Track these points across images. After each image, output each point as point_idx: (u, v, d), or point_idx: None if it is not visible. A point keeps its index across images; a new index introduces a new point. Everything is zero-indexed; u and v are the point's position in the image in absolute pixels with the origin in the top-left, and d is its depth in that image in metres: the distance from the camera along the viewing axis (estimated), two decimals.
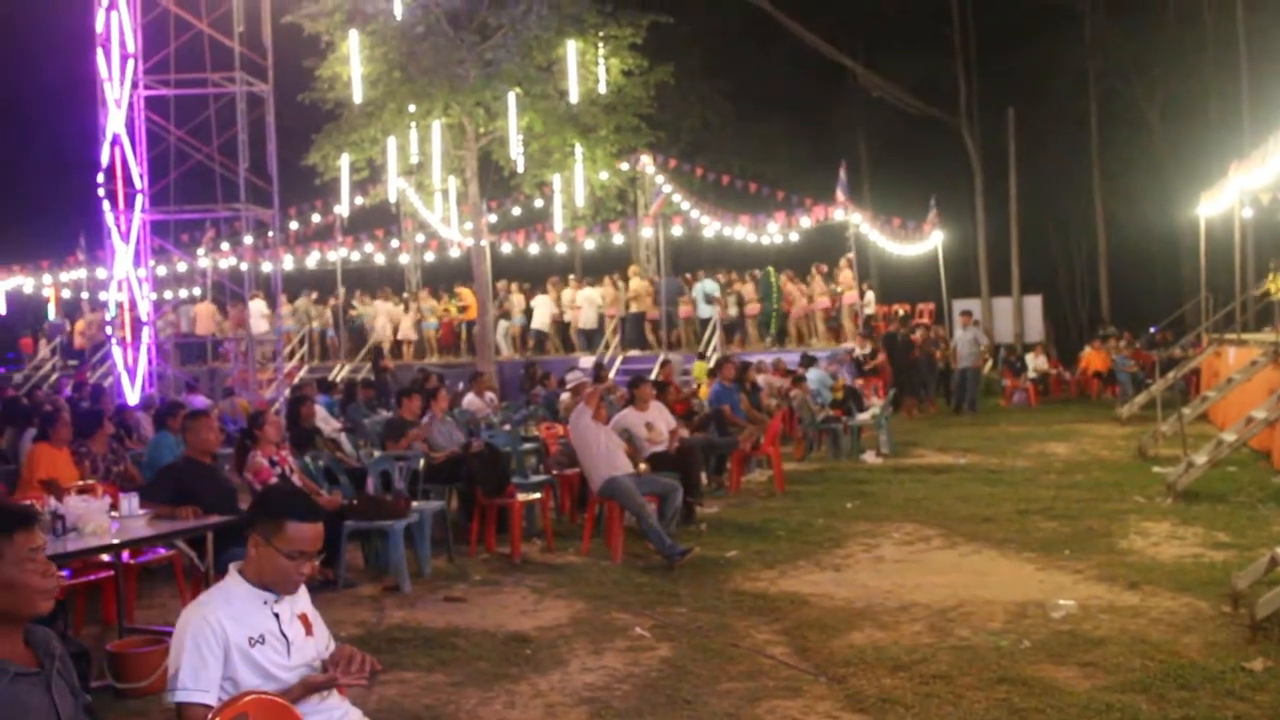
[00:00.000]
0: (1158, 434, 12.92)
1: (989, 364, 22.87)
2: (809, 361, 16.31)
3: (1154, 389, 16.40)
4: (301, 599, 3.30)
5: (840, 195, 20.94)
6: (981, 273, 31.10)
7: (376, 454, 9.70)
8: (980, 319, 25.54)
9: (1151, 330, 26.25)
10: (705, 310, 21.74)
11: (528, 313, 23.46)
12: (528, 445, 10.81)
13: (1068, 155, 33.19)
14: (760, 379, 15.39)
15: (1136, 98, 31.49)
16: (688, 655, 5.75)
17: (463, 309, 23.82)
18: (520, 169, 19.42)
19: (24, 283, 28.46)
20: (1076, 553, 7.77)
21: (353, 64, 17.40)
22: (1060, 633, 5.87)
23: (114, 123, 15.21)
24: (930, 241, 25.21)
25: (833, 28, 31.85)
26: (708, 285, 21.87)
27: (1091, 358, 22.77)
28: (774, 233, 22.65)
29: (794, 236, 23.20)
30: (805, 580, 7.37)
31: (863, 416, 14.73)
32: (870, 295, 23.30)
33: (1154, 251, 33.58)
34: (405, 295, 25.06)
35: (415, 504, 8.03)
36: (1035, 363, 22.47)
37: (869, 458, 13.75)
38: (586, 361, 19.74)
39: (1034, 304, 29.72)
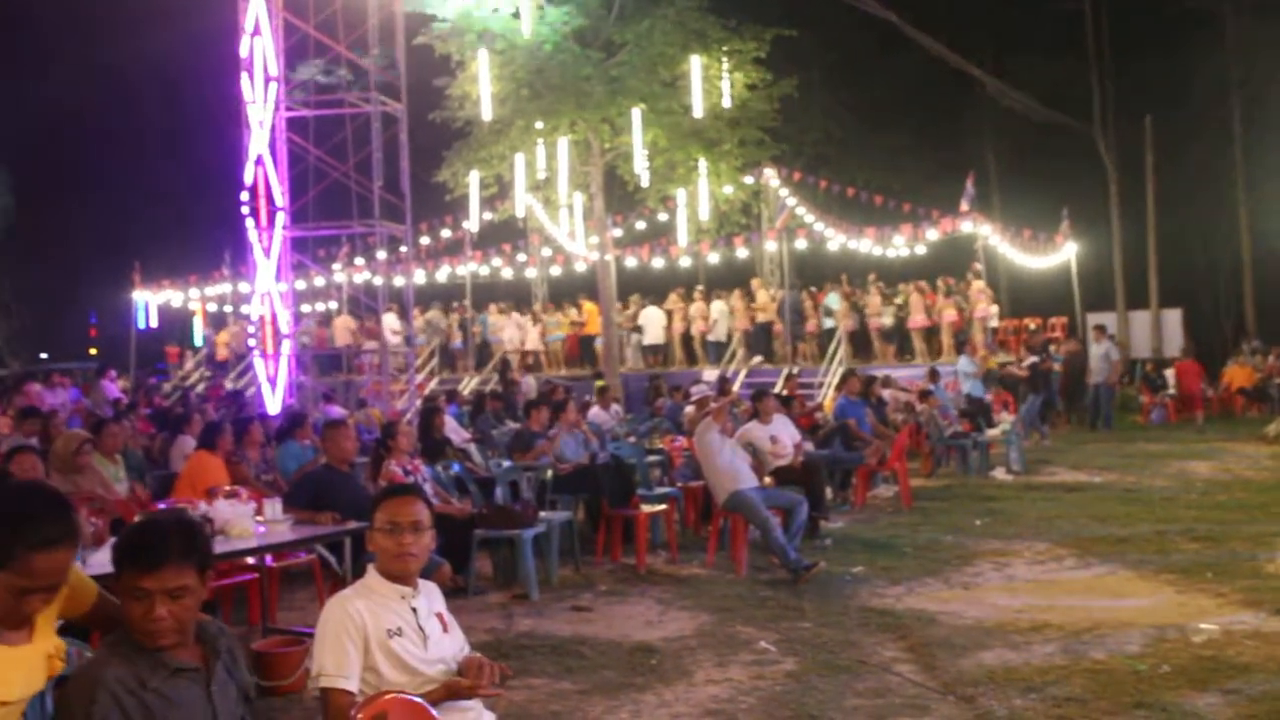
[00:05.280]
0: None
1: (1125, 379, 22.13)
2: (935, 376, 16.06)
3: None
4: (437, 600, 3.45)
5: (964, 206, 20.56)
6: (1117, 285, 30.10)
7: (505, 464, 9.89)
8: (1116, 333, 24.73)
9: None
10: (828, 323, 21.56)
11: (638, 326, 23.65)
12: (652, 457, 10.89)
13: (1209, 164, 31.94)
14: (886, 393, 15.21)
15: None
16: (813, 670, 5.73)
17: (577, 324, 24.16)
18: (645, 183, 19.56)
19: (172, 297, 29.76)
20: (1219, 576, 7.48)
21: (482, 83, 17.78)
22: (1202, 658, 5.66)
23: (257, 143, 15.81)
24: (1062, 253, 24.54)
25: (960, 36, 31.28)
26: (830, 299, 21.72)
27: (1235, 373, 21.84)
28: (900, 245, 22.36)
29: (920, 249, 22.86)
30: (933, 598, 7.26)
31: (992, 432, 14.41)
32: (994, 309, 22.81)
33: None
34: (535, 307, 25.50)
35: (543, 514, 8.18)
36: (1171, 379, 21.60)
37: (999, 475, 13.45)
38: (710, 374, 19.78)
39: (1173, 317, 28.61)
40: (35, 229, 35.20)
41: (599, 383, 18.29)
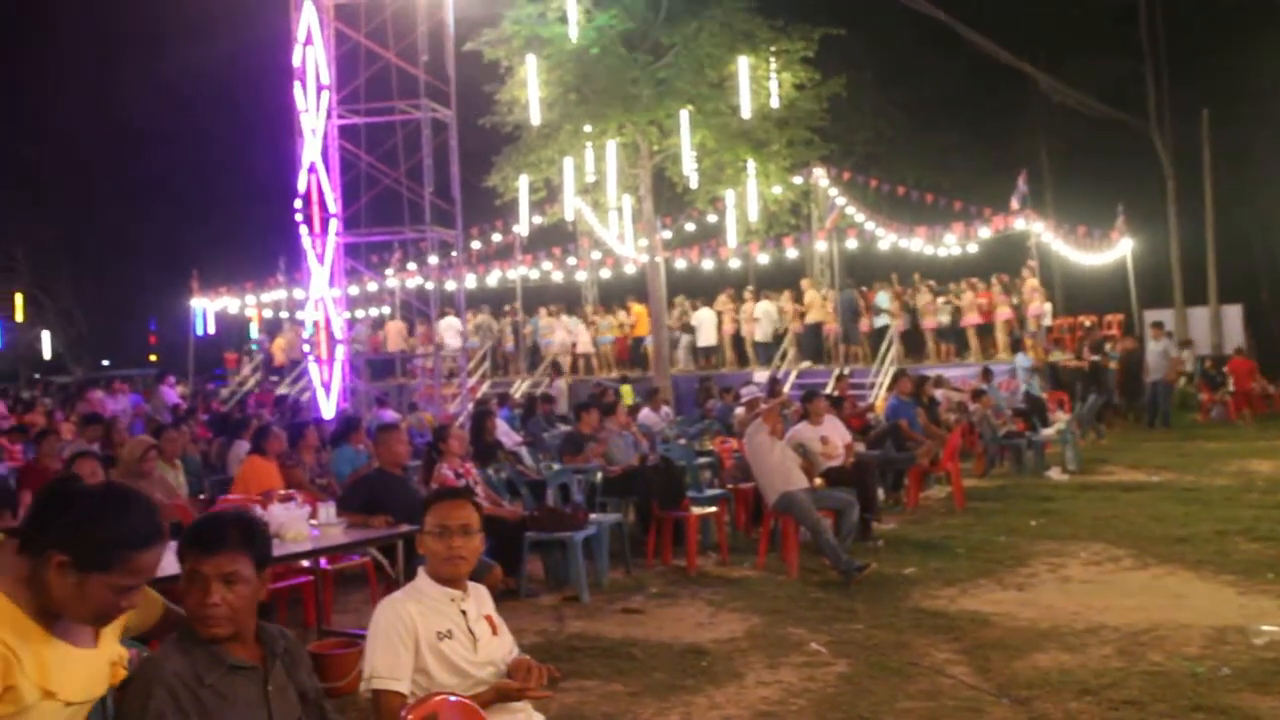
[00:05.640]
0: None
1: (1183, 377, 21.75)
2: (988, 375, 15.91)
3: None
4: (487, 603, 3.49)
5: (1015, 204, 20.33)
6: (1175, 282, 29.60)
7: (556, 467, 9.94)
8: (1174, 330, 24.32)
9: None
10: (880, 322, 21.43)
11: (691, 327, 23.69)
12: (703, 459, 10.89)
13: (1271, 158, 31.28)
14: (939, 393, 15.08)
15: None
16: (865, 672, 5.70)
17: (625, 325, 24.21)
18: (694, 185, 19.59)
19: (230, 303, 30.24)
20: None
21: (530, 88, 17.91)
22: (1264, 660, 5.56)
23: (310, 151, 16.03)
24: (1118, 250, 24.21)
25: (1011, 33, 30.92)
26: (880, 298, 21.59)
27: None
28: (952, 244, 22.18)
29: (972, 247, 22.66)
30: (987, 599, 7.20)
31: (1047, 431, 14.24)
32: (1047, 307, 22.54)
33: None
34: (586, 309, 25.60)
35: (593, 516, 8.21)
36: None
37: (1054, 474, 13.29)
38: (761, 376, 19.74)
39: (1233, 313, 28.10)
40: (97, 239, 35.95)
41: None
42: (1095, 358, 19.10)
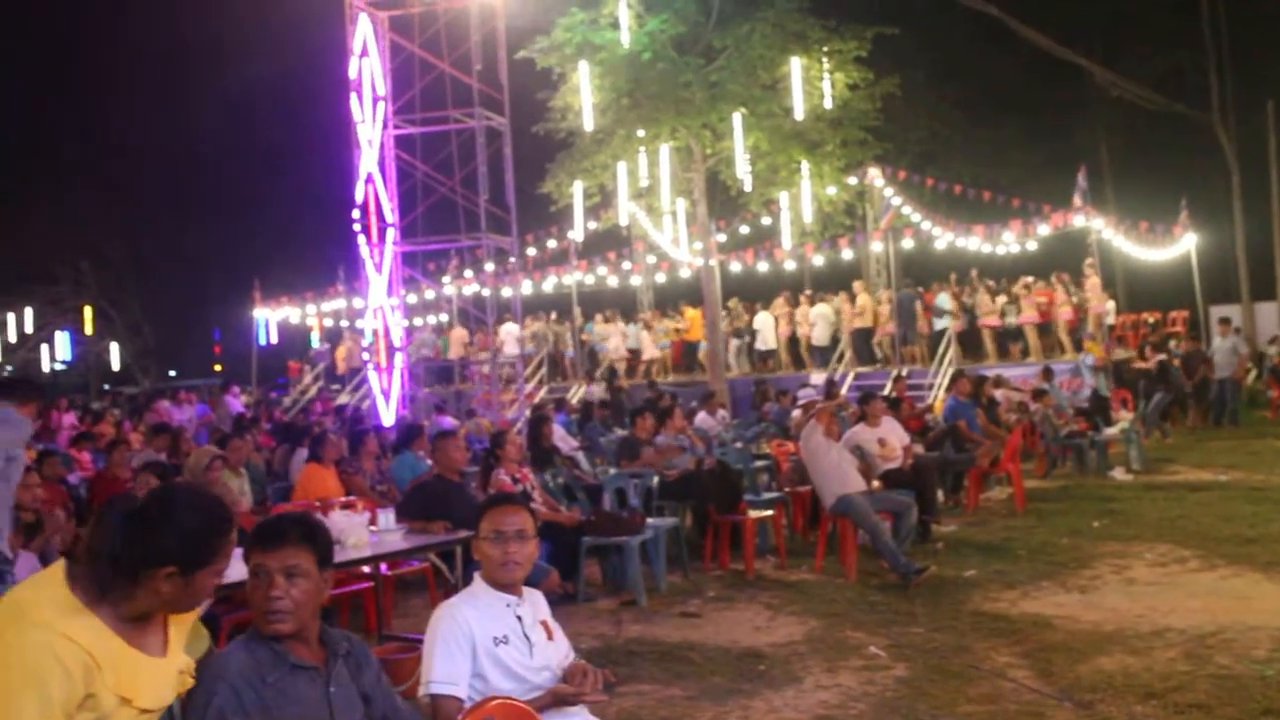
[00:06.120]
0: None
1: (1252, 374, 21.28)
2: (1049, 375, 15.69)
3: None
4: (542, 608, 3.52)
5: (1078, 200, 20.02)
6: (1241, 277, 29.00)
7: (612, 471, 9.98)
8: (1241, 326, 23.81)
9: None
10: (940, 322, 21.21)
11: (752, 331, 23.64)
12: (759, 463, 10.86)
13: None
14: (998, 393, 14.91)
15: None
16: (924, 676, 5.67)
17: (679, 330, 24.19)
18: (747, 188, 19.56)
19: (291, 313, 30.68)
20: None
21: (583, 94, 17.99)
22: None
23: (367, 162, 16.26)
24: (1181, 245, 23.75)
25: (1065, 26, 30.47)
26: (940, 298, 21.38)
27: None
28: (1010, 242, 21.89)
29: (1031, 245, 22.35)
30: (1049, 602, 7.11)
31: (1110, 431, 14.01)
32: (1110, 305, 22.17)
33: None
34: (643, 315, 25.65)
35: (650, 520, 8.23)
36: None
37: (1118, 474, 13.07)
38: (818, 378, 19.64)
39: None
40: (162, 252, 36.72)
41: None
42: (1160, 356, 18.73)
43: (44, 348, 37.24)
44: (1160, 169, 30.50)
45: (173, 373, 42.27)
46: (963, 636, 6.39)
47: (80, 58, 35.91)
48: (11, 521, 5.75)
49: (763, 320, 23.62)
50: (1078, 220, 20.23)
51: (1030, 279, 21.44)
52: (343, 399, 24.39)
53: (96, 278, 37.45)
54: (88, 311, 37.23)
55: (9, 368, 35.54)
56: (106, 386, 37.29)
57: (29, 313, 36.67)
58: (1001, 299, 21.51)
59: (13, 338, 36.85)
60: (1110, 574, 7.81)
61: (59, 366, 37.70)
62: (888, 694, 5.42)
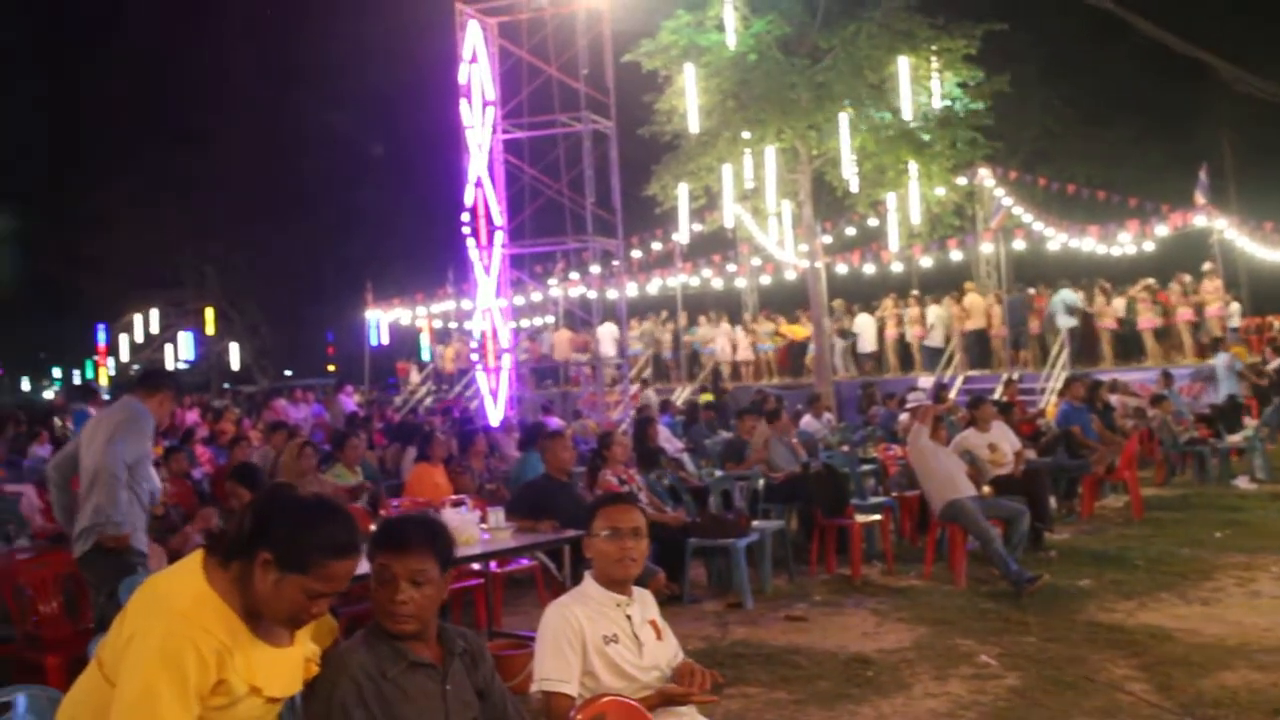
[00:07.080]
0: None
1: None
2: (1168, 380, 15.23)
3: None
4: (651, 608, 3.55)
5: (1200, 199, 19.35)
6: None
7: (718, 473, 9.98)
8: None
9: None
10: (1064, 321, 20.58)
11: (852, 334, 23.43)
12: (866, 466, 10.76)
13: None
14: (1114, 398, 14.51)
15: None
16: (1037, 686, 5.56)
17: (781, 337, 24.13)
18: (854, 189, 19.37)
19: (401, 315, 31.35)
20: None
21: (689, 96, 18.01)
22: None
23: (476, 166, 16.54)
24: None
25: (1185, 20, 29.43)
26: (1067, 295, 20.68)
27: None
28: (1126, 243, 21.28)
29: (1149, 246, 21.69)
30: (1168, 613, 6.90)
31: (1234, 438, 13.52)
32: (1235, 307, 21.39)
33: None
34: (745, 317, 25.61)
35: (756, 523, 8.22)
36: None
37: (1242, 483, 12.61)
38: (926, 381, 19.35)
39: None
40: (278, 255, 37.77)
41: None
42: (1278, 361, 18.00)
43: (168, 348, 38.63)
44: None
45: (288, 372, 43.47)
46: (1077, 647, 6.25)
47: (196, 71, 37.23)
48: (145, 520, 5.99)
49: (862, 322, 23.36)
50: (1198, 220, 19.59)
51: (1151, 280, 20.81)
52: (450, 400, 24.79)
53: (219, 280, 38.78)
54: (209, 313, 38.53)
55: (136, 366, 36.95)
56: (227, 385, 38.53)
57: (154, 314, 38.11)
58: (1121, 300, 20.92)
59: (140, 338, 38.32)
60: (1234, 586, 7.55)
61: (182, 366, 39.06)
62: (999, 704, 5.33)
